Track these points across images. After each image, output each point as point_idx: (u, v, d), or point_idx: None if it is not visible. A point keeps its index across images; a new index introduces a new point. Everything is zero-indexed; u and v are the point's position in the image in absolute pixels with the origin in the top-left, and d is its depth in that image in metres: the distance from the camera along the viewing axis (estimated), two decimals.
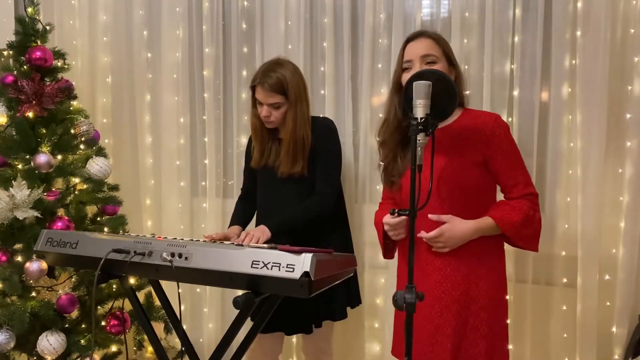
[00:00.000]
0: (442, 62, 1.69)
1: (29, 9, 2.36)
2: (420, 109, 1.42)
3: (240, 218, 2.25)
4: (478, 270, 1.68)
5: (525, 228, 1.68)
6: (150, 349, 2.57)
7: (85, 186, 2.38)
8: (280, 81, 1.99)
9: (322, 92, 2.55)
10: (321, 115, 2.29)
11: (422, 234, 1.66)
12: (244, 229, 2.21)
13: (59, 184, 2.39)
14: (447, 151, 1.69)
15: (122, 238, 1.66)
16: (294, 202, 2.07)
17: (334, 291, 2.07)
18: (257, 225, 2.22)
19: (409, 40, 1.73)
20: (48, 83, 2.34)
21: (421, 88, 1.42)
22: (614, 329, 2.18)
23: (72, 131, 2.38)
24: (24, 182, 2.19)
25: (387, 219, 1.73)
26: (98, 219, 2.46)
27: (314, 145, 2.07)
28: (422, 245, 1.70)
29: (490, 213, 1.68)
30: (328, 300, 2.08)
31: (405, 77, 1.68)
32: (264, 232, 1.93)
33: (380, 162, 1.85)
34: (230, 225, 2.21)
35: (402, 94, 1.64)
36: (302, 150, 2.04)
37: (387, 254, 1.90)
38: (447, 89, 1.50)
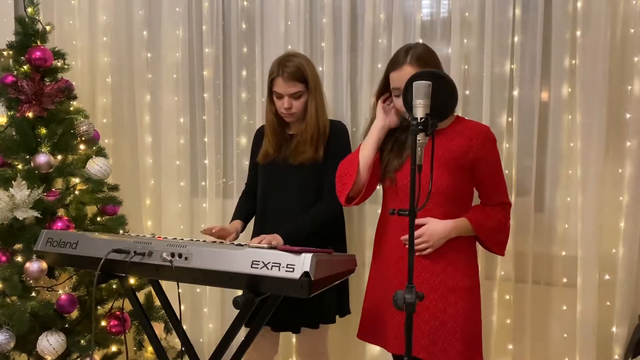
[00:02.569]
0: None
1: (29, 9, 2.36)
2: (420, 109, 1.42)
3: (242, 212, 2.24)
4: (455, 263, 1.79)
5: (498, 234, 1.86)
6: (150, 349, 2.56)
7: (85, 186, 2.38)
8: (299, 68, 2.01)
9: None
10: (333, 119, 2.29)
11: (403, 238, 1.79)
12: (245, 224, 2.21)
13: (59, 184, 2.39)
14: (436, 155, 1.75)
15: (122, 238, 1.66)
16: (298, 194, 2.08)
17: (324, 294, 2.06)
18: (256, 222, 2.22)
19: (389, 70, 1.81)
20: (48, 83, 2.34)
21: (421, 88, 1.42)
22: (614, 329, 2.18)
23: (72, 131, 2.38)
24: (24, 182, 2.18)
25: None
26: (98, 219, 2.46)
27: (328, 144, 2.08)
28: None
29: (467, 216, 1.81)
30: (317, 303, 2.07)
31: (397, 102, 1.80)
32: (275, 238, 1.92)
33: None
34: (232, 220, 2.21)
35: (402, 95, 1.65)
36: (323, 138, 2.07)
37: (351, 195, 1.88)
38: (447, 89, 1.51)
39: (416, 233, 1.74)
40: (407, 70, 1.72)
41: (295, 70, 2.00)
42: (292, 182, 2.09)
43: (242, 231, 2.17)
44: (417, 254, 1.75)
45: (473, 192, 1.89)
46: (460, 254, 1.81)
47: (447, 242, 1.78)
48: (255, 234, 2.16)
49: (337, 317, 2.18)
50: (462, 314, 1.76)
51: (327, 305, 2.11)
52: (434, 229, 1.76)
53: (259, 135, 2.23)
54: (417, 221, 1.73)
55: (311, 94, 2.04)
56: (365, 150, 1.86)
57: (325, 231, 2.10)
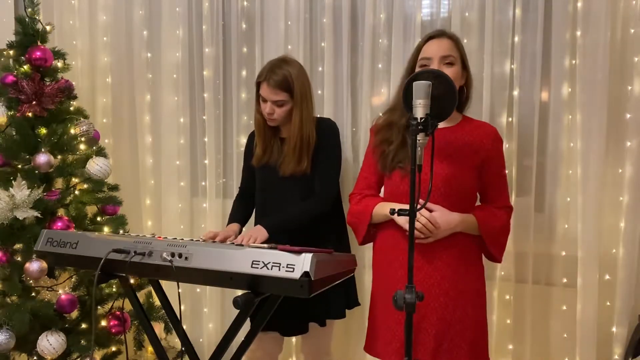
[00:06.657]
0: (458, 65, 1.74)
1: (29, 9, 2.36)
2: (420, 109, 1.42)
3: (238, 216, 2.24)
4: (465, 265, 1.76)
5: (501, 236, 1.82)
6: (150, 349, 2.57)
7: (85, 186, 2.38)
8: (285, 78, 1.98)
9: (321, 92, 2.54)
10: (321, 116, 2.28)
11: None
12: (242, 227, 2.21)
13: (59, 184, 2.40)
14: (449, 153, 1.74)
15: (122, 238, 1.66)
16: (295, 201, 2.07)
17: (331, 291, 2.07)
18: (255, 225, 2.22)
19: (430, 37, 1.77)
20: (48, 83, 2.34)
21: (421, 88, 1.42)
22: (614, 329, 2.18)
23: (72, 131, 2.38)
24: (24, 182, 2.19)
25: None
26: (98, 219, 2.46)
27: (316, 145, 2.07)
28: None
29: (475, 212, 1.78)
30: (324, 299, 2.08)
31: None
32: (259, 231, 1.92)
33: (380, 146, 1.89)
34: (228, 224, 2.21)
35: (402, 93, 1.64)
36: (307, 149, 2.04)
37: (365, 241, 1.96)
38: (447, 89, 1.51)
39: (427, 215, 1.67)
40: (445, 42, 1.74)
41: (282, 80, 1.98)
42: (286, 191, 2.09)
43: (239, 234, 2.17)
44: (416, 241, 1.69)
45: (477, 194, 1.86)
46: (470, 256, 1.79)
47: (457, 244, 1.74)
48: None
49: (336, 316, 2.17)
50: (471, 316, 1.74)
51: (335, 300, 2.11)
52: (444, 218, 1.70)
53: (252, 139, 2.22)
54: (428, 205, 1.70)
55: (296, 105, 2.01)
56: (379, 216, 1.84)
57: (325, 231, 2.10)
